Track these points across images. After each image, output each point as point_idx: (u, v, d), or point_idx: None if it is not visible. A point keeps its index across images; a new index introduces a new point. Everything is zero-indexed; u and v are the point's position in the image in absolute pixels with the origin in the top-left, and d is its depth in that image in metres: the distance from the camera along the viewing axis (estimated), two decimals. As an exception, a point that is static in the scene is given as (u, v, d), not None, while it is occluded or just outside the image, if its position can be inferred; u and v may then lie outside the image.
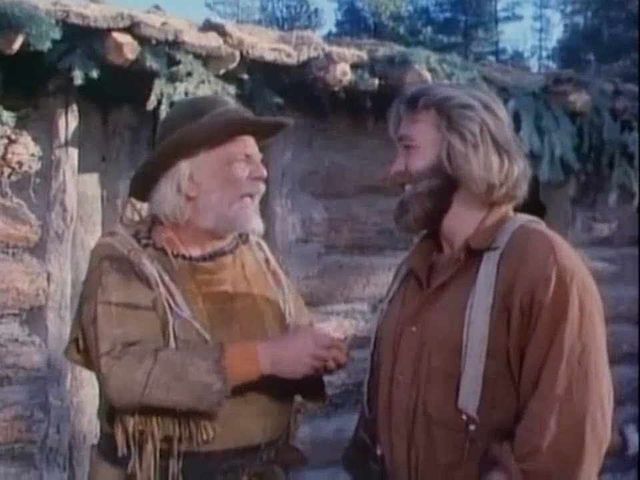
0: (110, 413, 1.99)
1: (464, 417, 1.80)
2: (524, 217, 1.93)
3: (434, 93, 1.92)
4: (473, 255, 1.87)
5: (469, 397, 1.80)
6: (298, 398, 2.18)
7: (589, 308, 1.79)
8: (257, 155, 2.12)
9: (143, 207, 2.19)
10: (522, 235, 1.85)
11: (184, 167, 2.04)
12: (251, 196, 2.08)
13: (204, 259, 2.08)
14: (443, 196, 1.90)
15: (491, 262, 1.84)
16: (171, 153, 2.04)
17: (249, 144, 2.10)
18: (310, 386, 2.11)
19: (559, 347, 1.75)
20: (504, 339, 1.79)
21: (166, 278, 1.99)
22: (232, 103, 2.18)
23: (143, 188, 2.12)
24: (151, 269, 1.98)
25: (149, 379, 1.86)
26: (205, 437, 1.94)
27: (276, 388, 2.04)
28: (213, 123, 2.03)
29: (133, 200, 2.22)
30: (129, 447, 1.94)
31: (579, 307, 1.77)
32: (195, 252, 2.08)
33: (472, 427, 1.80)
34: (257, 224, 2.10)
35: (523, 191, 1.94)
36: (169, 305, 1.96)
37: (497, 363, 1.79)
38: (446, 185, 1.89)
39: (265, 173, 2.11)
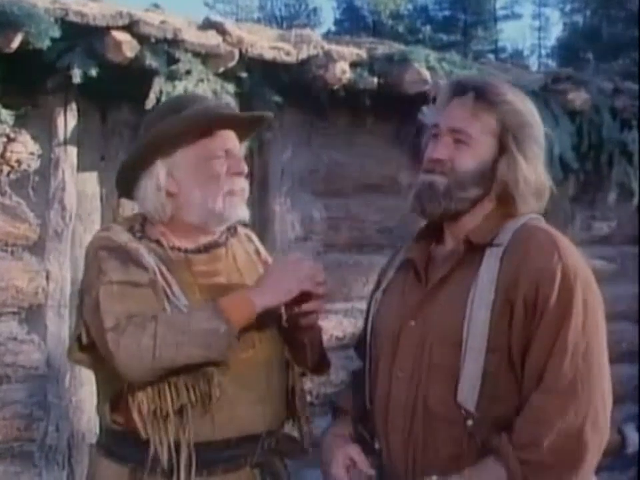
0: (114, 402, 1.99)
1: (463, 412, 1.81)
2: (525, 214, 1.94)
3: (504, 99, 1.90)
4: (474, 249, 1.88)
5: (469, 392, 1.80)
6: (302, 375, 2.21)
7: (592, 305, 1.81)
8: (237, 150, 2.11)
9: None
10: (525, 232, 1.86)
11: (160, 165, 2.05)
12: (235, 193, 2.08)
13: (199, 251, 2.09)
14: (477, 200, 1.92)
15: (493, 258, 1.84)
16: (147, 151, 2.05)
17: (228, 139, 2.09)
18: (312, 359, 2.16)
19: (563, 343, 1.76)
20: (506, 333, 1.80)
21: (163, 268, 2.00)
22: (211, 99, 2.16)
23: (126, 187, 2.14)
24: (149, 259, 1.99)
25: (155, 340, 1.85)
26: (217, 394, 1.93)
27: (274, 374, 2.07)
28: (186, 119, 2.03)
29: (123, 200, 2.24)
30: (146, 430, 1.93)
31: (583, 304, 1.79)
32: (189, 245, 2.09)
33: (469, 422, 1.81)
34: (242, 212, 2.11)
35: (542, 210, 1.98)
36: (166, 294, 1.97)
37: (498, 357, 1.80)
38: (486, 192, 1.91)
39: (245, 168, 2.11)
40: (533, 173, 1.89)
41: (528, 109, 1.93)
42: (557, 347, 1.77)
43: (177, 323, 1.89)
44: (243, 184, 2.11)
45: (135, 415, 1.94)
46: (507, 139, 1.88)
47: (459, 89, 1.94)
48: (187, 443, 1.94)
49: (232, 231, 2.19)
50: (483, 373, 1.79)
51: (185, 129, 2.03)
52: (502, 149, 1.88)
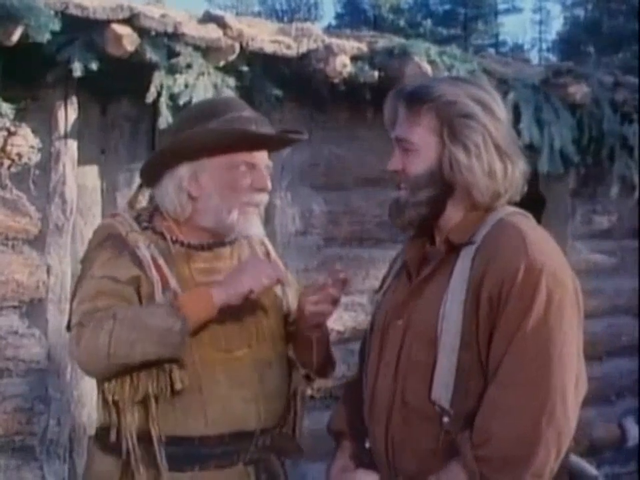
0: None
1: (437, 409, 1.81)
2: (506, 210, 1.91)
3: (435, 95, 1.87)
4: (454, 248, 1.88)
5: (442, 389, 1.80)
6: (301, 387, 2.20)
7: (557, 299, 1.77)
8: (263, 165, 2.09)
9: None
10: (497, 230, 1.85)
11: (185, 169, 2.05)
12: (250, 208, 2.08)
13: (201, 247, 2.09)
14: (439, 202, 1.90)
15: (466, 256, 1.84)
16: (172, 155, 2.06)
17: (255, 153, 2.07)
18: (318, 359, 2.15)
19: (522, 335, 1.75)
20: (475, 330, 1.79)
21: (160, 261, 2.01)
22: (245, 108, 2.14)
23: (149, 182, 2.16)
24: (145, 252, 2.01)
25: (111, 338, 1.87)
26: (177, 386, 1.94)
27: (271, 374, 2.08)
28: (212, 134, 2.02)
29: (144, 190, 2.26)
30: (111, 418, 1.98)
31: (547, 297, 1.76)
32: (193, 240, 2.09)
33: (445, 419, 1.80)
34: (255, 230, 2.11)
35: (523, 191, 1.94)
36: (162, 287, 1.98)
37: (470, 354, 1.79)
38: (443, 192, 1.89)
39: (268, 185, 2.10)
40: (477, 161, 1.84)
41: (467, 99, 1.86)
42: (516, 340, 1.75)
43: (134, 319, 1.91)
44: (261, 198, 2.10)
45: (103, 405, 2.00)
46: (443, 133, 1.86)
47: (394, 101, 1.95)
48: (156, 435, 1.95)
49: None
50: (457, 370, 1.79)
51: (210, 143, 2.03)
52: (443, 144, 1.87)
